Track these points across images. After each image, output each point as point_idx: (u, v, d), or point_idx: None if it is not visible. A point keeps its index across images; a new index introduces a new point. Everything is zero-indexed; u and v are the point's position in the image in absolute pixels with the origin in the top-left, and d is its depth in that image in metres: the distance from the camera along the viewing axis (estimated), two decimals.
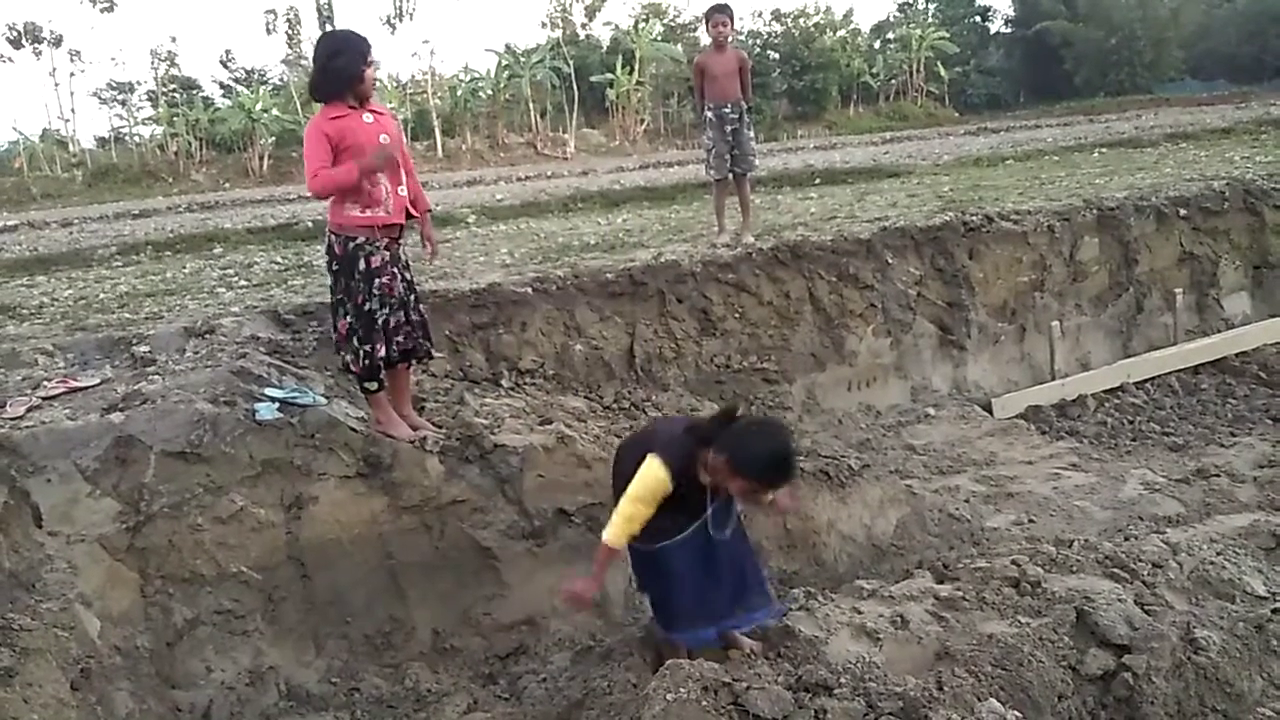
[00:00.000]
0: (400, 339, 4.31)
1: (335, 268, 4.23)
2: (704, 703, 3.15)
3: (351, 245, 4.16)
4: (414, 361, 4.57)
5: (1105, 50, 39.58)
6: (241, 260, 8.96)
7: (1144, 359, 8.15)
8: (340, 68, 4.09)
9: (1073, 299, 8.26)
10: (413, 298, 4.40)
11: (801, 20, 38.89)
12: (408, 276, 4.37)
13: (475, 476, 4.45)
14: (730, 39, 7.58)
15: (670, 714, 3.12)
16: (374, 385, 4.38)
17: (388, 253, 4.22)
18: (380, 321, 4.21)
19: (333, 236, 4.22)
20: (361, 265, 4.16)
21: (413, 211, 4.38)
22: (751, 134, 7.73)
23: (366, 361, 4.26)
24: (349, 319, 4.24)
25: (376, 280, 4.18)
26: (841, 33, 40.11)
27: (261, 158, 29.25)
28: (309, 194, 4.40)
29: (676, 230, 8.73)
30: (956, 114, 39.77)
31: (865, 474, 5.23)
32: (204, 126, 30.40)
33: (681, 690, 3.18)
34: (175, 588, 3.87)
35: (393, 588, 4.31)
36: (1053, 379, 7.93)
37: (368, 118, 4.17)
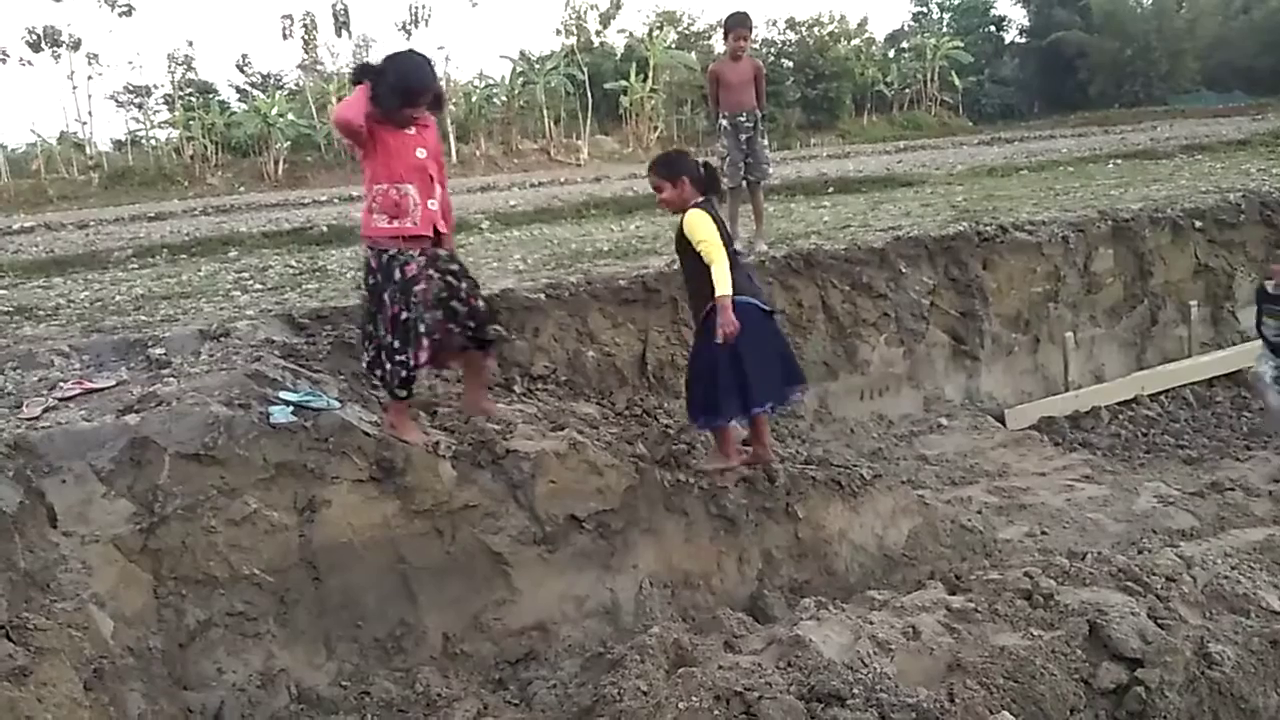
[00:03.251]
0: (462, 329, 4.33)
1: (372, 282, 4.22)
2: (716, 711, 3.16)
3: (385, 257, 4.16)
4: (487, 348, 4.54)
5: (1120, 61, 39.45)
6: (257, 264, 9.00)
7: (1158, 371, 8.13)
8: (379, 95, 4.02)
9: (1087, 310, 8.24)
10: (463, 288, 4.35)
11: (816, 29, 38.81)
12: (452, 268, 4.33)
13: (487, 482, 4.45)
14: (746, 50, 7.60)
15: None
16: (404, 394, 4.35)
17: (423, 258, 4.21)
18: (418, 329, 4.19)
19: (369, 251, 4.24)
20: (397, 275, 4.15)
21: (440, 228, 4.33)
22: (766, 142, 7.75)
23: (404, 372, 4.24)
24: (384, 332, 4.21)
25: (414, 288, 4.17)
26: (856, 41, 40.03)
27: (277, 162, 29.30)
28: (337, 129, 4.35)
29: None
30: (970, 123, 39.68)
31: (877, 484, 5.22)
32: (220, 130, 30.47)
33: (694, 699, 3.19)
34: (188, 589, 3.88)
35: (404, 592, 4.31)
36: (1066, 390, 7.92)
37: (410, 130, 4.16)
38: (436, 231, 4.29)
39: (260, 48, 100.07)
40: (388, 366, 4.22)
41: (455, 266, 4.37)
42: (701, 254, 4.49)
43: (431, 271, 4.23)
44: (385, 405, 4.55)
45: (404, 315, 4.16)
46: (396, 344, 4.19)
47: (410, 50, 4.33)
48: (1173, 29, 40.01)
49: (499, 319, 4.52)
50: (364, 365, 4.45)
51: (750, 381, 4.62)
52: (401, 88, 4.05)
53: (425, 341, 4.22)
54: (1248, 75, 40.06)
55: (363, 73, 4.11)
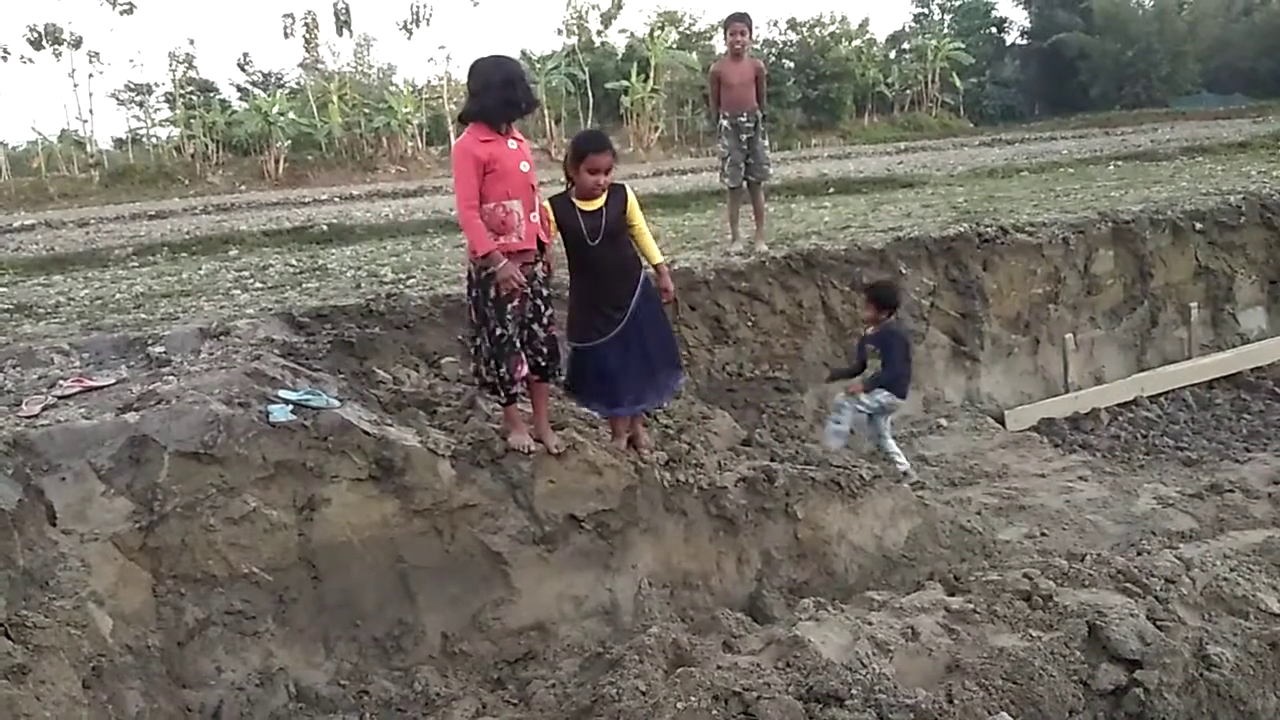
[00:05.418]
0: (534, 353, 4.42)
1: (473, 294, 4.36)
2: (714, 711, 3.16)
3: (484, 273, 4.25)
4: (547, 379, 4.62)
5: (1121, 63, 39.42)
6: (257, 262, 9.01)
7: (1158, 373, 8.12)
8: (512, 99, 4.15)
9: (1087, 312, 8.24)
10: (547, 314, 4.47)
11: (817, 30, 38.77)
12: (543, 292, 4.44)
13: (486, 481, 4.45)
14: (747, 49, 7.59)
15: None
16: (505, 400, 4.50)
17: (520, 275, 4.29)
18: (516, 345, 4.33)
19: (470, 265, 4.34)
20: (493, 293, 4.26)
21: (543, 238, 4.40)
22: (766, 143, 7.75)
23: (510, 387, 4.38)
24: (482, 342, 4.37)
25: (509, 305, 4.28)
26: (857, 42, 39.92)
27: (277, 161, 29.23)
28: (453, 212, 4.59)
29: (690, 238, 8.74)
30: (971, 125, 39.60)
31: (877, 484, 5.21)
32: (221, 129, 30.40)
33: (692, 699, 3.19)
34: (187, 587, 3.88)
35: (403, 591, 4.31)
36: (1066, 392, 7.92)
37: (512, 144, 4.23)
38: (540, 243, 4.37)
39: (261, 46, 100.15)
40: (494, 373, 4.37)
41: (545, 292, 4.48)
42: (638, 229, 4.67)
43: (526, 290, 4.33)
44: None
45: (499, 331, 4.30)
46: (495, 359, 4.34)
47: (495, 55, 4.36)
48: (1174, 31, 39.97)
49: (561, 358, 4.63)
50: (472, 369, 4.58)
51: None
52: (524, 82, 4.21)
53: (523, 355, 4.37)
54: (1249, 77, 40.05)
55: (465, 116, 4.28)
